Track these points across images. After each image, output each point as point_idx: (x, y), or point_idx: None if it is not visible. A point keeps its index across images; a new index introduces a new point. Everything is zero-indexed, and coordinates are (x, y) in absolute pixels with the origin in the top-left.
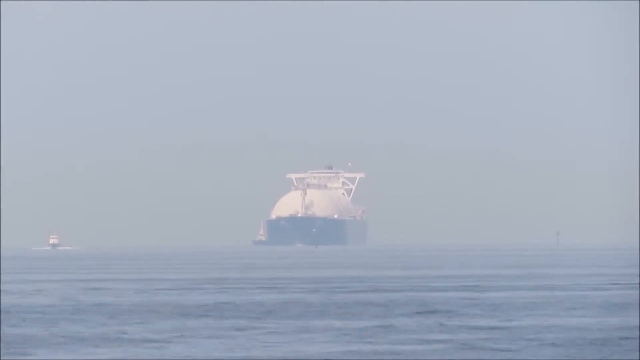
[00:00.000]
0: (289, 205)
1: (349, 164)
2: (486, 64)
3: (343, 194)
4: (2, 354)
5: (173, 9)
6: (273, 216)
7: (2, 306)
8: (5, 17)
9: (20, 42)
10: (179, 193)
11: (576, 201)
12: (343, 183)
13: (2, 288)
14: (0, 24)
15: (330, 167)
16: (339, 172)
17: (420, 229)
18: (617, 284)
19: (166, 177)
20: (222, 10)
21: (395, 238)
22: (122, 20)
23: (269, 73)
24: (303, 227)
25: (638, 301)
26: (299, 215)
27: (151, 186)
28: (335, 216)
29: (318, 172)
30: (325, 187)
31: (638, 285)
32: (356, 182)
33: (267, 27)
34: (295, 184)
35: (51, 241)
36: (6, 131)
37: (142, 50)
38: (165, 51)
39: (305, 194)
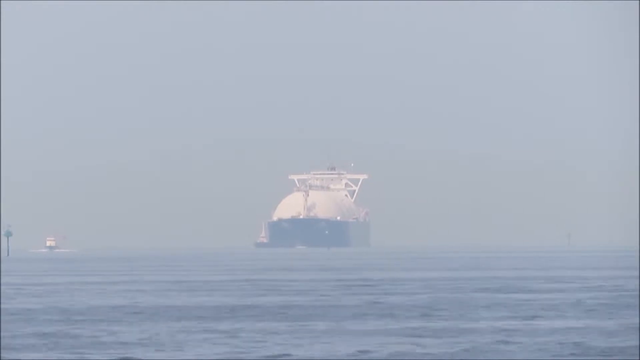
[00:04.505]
0: (291, 206)
1: (352, 165)
2: (488, 66)
3: (346, 195)
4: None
5: (174, 10)
6: (275, 218)
7: None
8: (5, 17)
9: (20, 42)
10: (179, 194)
11: (579, 202)
12: (346, 184)
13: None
14: (0, 24)
15: (333, 169)
16: (342, 174)
17: (424, 231)
18: None
19: (166, 178)
20: (223, 11)
21: (398, 240)
22: (122, 21)
23: (271, 74)
24: (305, 228)
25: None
26: (301, 216)
27: (151, 187)
28: (338, 218)
29: (321, 174)
30: (328, 188)
31: (638, 287)
32: (359, 184)
33: (270, 28)
34: (298, 185)
35: (48, 243)
36: (6, 131)
37: (141, 50)
38: (166, 52)
39: (308, 195)
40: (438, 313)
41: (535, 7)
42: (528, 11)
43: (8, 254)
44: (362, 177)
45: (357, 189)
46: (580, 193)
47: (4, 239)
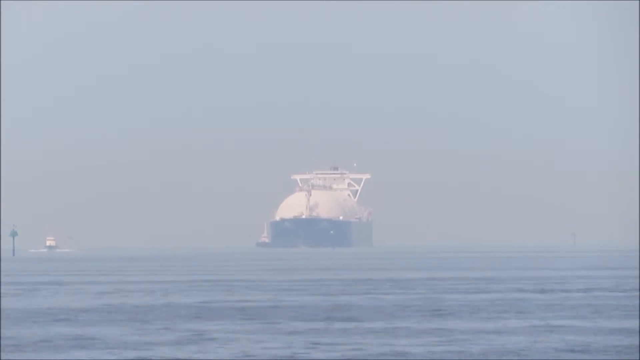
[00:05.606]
0: (293, 206)
1: (355, 164)
2: (488, 66)
3: (349, 195)
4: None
5: (174, 10)
6: (277, 218)
7: None
8: (5, 17)
9: (20, 42)
10: (180, 194)
11: (579, 202)
12: (348, 184)
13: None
14: (0, 24)
15: (336, 168)
16: (345, 173)
17: (425, 231)
18: None
19: (166, 178)
20: (224, 11)
21: (400, 240)
22: (122, 21)
23: (271, 74)
24: (307, 228)
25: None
26: (304, 216)
27: (152, 187)
28: (341, 218)
29: (323, 173)
30: (331, 188)
31: (638, 287)
32: (362, 183)
33: (271, 28)
34: (300, 185)
35: (48, 243)
36: (6, 131)
37: (141, 50)
38: (166, 52)
39: (310, 195)
40: None
41: (535, 7)
42: (528, 11)
43: (13, 254)
44: (364, 176)
45: (359, 188)
46: (580, 193)
47: (9, 239)
